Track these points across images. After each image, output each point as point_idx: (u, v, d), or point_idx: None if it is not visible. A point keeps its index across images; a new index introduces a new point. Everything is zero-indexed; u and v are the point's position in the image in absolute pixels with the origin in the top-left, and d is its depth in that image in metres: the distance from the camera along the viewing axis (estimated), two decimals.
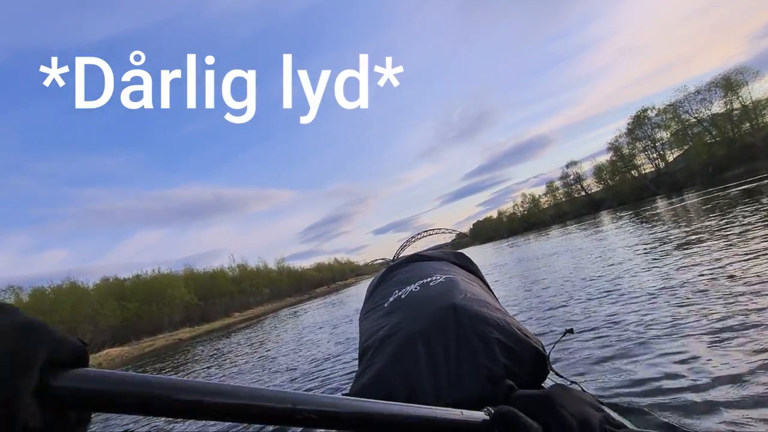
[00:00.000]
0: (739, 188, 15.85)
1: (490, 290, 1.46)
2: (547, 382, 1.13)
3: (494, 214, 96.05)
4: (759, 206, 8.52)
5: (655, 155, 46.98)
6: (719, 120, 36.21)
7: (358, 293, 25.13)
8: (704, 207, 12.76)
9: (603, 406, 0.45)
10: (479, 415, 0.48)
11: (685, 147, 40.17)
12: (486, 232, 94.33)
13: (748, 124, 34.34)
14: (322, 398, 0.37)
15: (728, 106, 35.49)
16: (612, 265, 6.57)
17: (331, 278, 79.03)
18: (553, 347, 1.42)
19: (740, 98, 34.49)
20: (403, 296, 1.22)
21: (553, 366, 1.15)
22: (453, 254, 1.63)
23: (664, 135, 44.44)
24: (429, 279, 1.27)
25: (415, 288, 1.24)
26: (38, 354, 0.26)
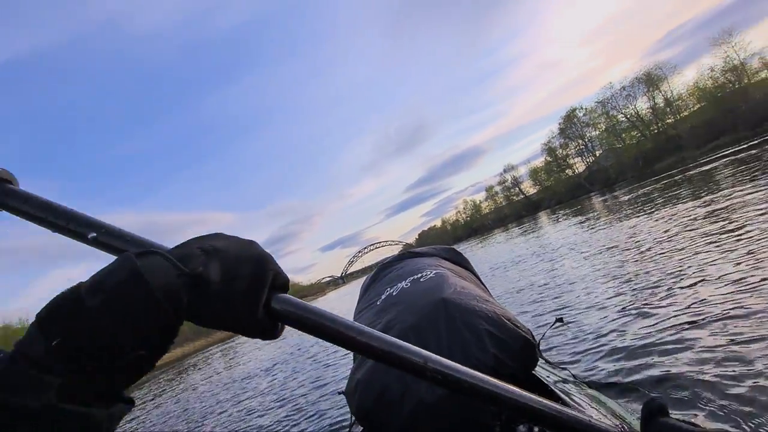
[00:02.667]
0: (669, 179, 16.67)
1: (482, 282, 1.49)
2: (538, 370, 1.18)
3: (438, 223, 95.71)
4: (685, 194, 9.17)
5: (587, 153, 47.84)
6: (645, 114, 37.09)
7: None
8: (633, 200, 13.35)
9: None
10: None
11: (615, 143, 40.76)
12: (431, 241, 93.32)
13: (671, 118, 35.26)
14: (451, 364, 0.40)
15: (651, 101, 36.43)
16: (555, 260, 7.28)
17: None
18: (543, 336, 1.60)
19: (662, 92, 35.47)
20: (395, 293, 1.23)
21: (545, 355, 1.24)
22: (443, 249, 1.67)
23: (594, 134, 45.29)
24: (420, 275, 1.27)
25: (407, 284, 1.25)
26: (269, 278, 0.37)
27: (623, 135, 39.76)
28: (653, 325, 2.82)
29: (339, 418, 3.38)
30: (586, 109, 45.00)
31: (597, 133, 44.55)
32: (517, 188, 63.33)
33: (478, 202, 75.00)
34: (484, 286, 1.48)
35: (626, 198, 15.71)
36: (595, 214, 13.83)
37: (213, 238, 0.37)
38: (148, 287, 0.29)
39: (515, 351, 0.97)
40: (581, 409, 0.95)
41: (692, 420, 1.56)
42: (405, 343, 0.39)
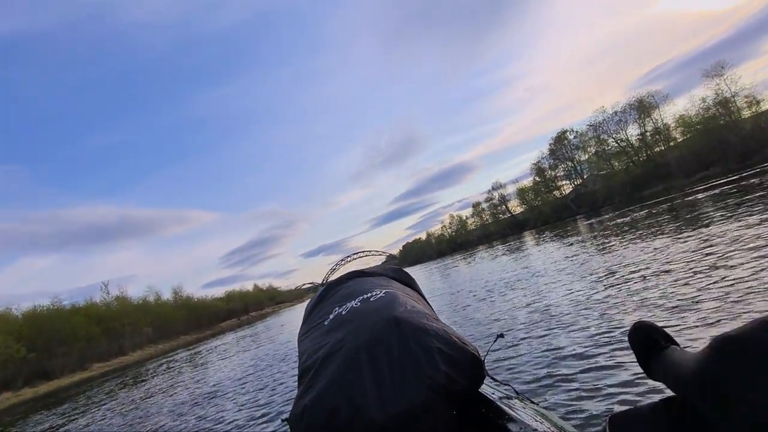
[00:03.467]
0: (656, 206, 16.73)
1: (427, 302, 1.50)
2: (485, 388, 1.22)
3: (423, 236, 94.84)
4: (670, 222, 9.23)
5: (575, 176, 47.91)
6: (635, 141, 37.26)
7: (275, 325, 21.76)
8: (618, 224, 13.55)
9: None
10: None
11: (604, 168, 40.79)
12: (415, 253, 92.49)
13: (662, 146, 35.41)
14: None
15: (642, 128, 36.62)
16: (533, 277, 7.40)
17: (242, 309, 66.44)
18: (487, 353, 1.48)
19: (653, 120, 35.68)
20: (344, 312, 1.21)
21: (489, 371, 1.20)
22: (391, 269, 1.65)
23: (583, 157, 45.41)
24: (369, 294, 1.26)
25: (356, 303, 1.23)
26: None
27: (612, 160, 39.83)
28: (595, 343, 2.94)
29: None
30: (576, 132, 45.25)
31: (586, 156, 44.68)
32: (504, 206, 63.19)
33: (464, 217, 74.70)
34: (430, 305, 1.47)
35: (611, 222, 15.92)
36: (578, 237, 14.10)
37: None
38: None
39: (465, 368, 0.97)
40: (526, 424, 0.94)
41: None
42: None
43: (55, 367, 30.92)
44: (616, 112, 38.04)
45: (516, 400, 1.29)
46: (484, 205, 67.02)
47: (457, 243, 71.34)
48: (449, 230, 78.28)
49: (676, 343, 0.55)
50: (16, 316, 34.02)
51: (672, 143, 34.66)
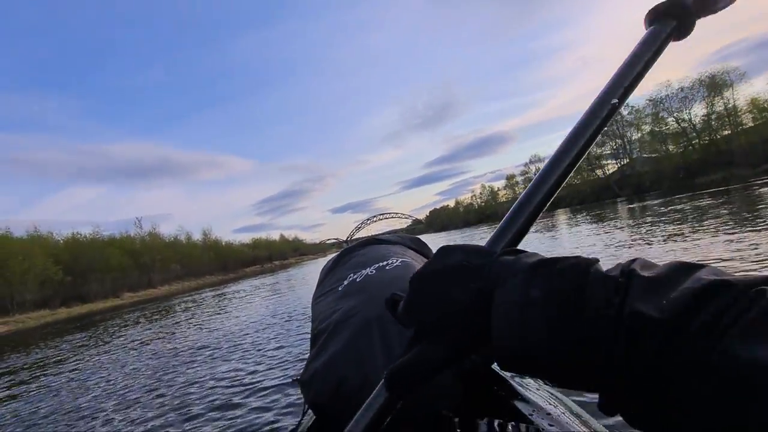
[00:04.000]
0: (711, 196, 15.01)
1: None
2: (496, 366, 1.11)
3: (452, 204, 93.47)
4: (724, 216, 8.34)
5: (622, 156, 44.55)
6: (699, 122, 33.60)
7: (297, 277, 20.90)
8: (664, 212, 12.37)
9: None
10: None
11: (657, 149, 37.47)
12: (441, 220, 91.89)
13: (728, 130, 31.77)
14: None
15: (709, 108, 32.81)
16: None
17: (267, 257, 69.16)
18: None
19: (724, 100, 31.80)
20: (358, 279, 1.20)
21: None
22: (409, 238, 1.60)
23: (636, 135, 41.86)
24: (385, 263, 1.24)
25: (371, 271, 1.21)
26: None
27: (668, 141, 36.37)
28: None
29: (292, 406, 3.20)
30: (632, 107, 41.35)
31: (639, 135, 41.11)
32: None
33: (496, 189, 72.51)
34: None
35: (656, 209, 14.56)
36: (616, 221, 13.04)
37: None
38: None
39: None
40: (538, 404, 0.93)
41: None
42: None
43: (90, 292, 34.15)
44: (682, 88, 34.13)
45: (530, 380, 1.28)
46: (519, 178, 64.63)
47: (485, 214, 70.07)
48: (479, 200, 76.69)
49: None
50: (58, 241, 37.13)
51: (740, 128, 30.92)
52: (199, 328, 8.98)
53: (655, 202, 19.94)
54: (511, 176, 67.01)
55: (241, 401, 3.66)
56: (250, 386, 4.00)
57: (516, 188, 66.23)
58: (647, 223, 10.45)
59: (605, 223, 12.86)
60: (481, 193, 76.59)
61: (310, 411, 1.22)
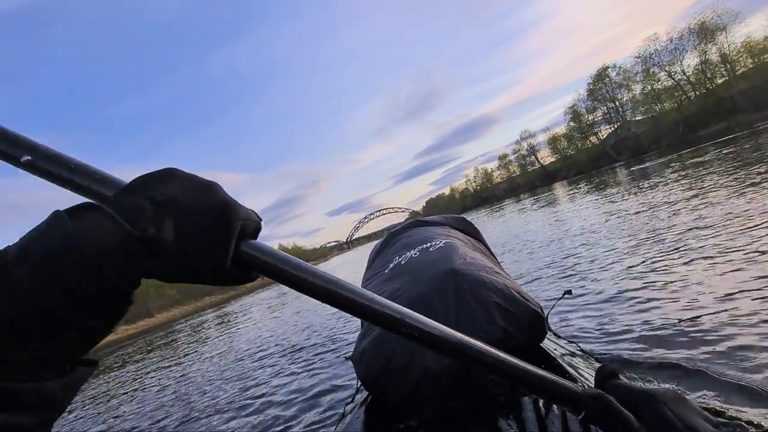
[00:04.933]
0: (716, 148, 14.27)
1: (492, 253, 1.48)
2: (546, 342, 1.18)
3: (447, 192, 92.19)
4: (732, 166, 7.86)
5: (616, 119, 43.16)
6: (693, 73, 32.13)
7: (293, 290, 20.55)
8: (665, 172, 11.66)
9: (720, 422, 0.41)
10: (574, 388, 0.48)
11: (652, 108, 36.06)
12: (438, 209, 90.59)
13: (727, 76, 30.32)
14: (428, 321, 0.40)
15: (702, 56, 31.36)
16: (564, 232, 6.82)
17: None
18: (552, 308, 1.54)
19: (717, 45, 30.31)
20: (403, 262, 1.22)
21: (553, 327, 1.16)
22: (454, 218, 1.63)
23: (627, 96, 40.45)
24: (429, 244, 1.25)
25: (415, 253, 1.23)
26: (235, 230, 0.33)
27: (663, 97, 34.93)
28: (667, 305, 2.60)
29: (346, 383, 3.24)
30: (620, 68, 39.92)
31: (631, 95, 39.71)
32: (533, 156, 59.18)
33: (489, 170, 71.11)
34: (494, 257, 1.46)
35: (657, 169, 13.66)
36: (617, 186, 12.44)
37: (165, 181, 0.31)
38: (83, 255, 0.25)
39: (524, 324, 0.96)
40: (588, 381, 0.92)
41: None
42: (382, 298, 0.39)
43: None
44: (671, 39, 32.61)
45: (579, 358, 1.26)
46: (511, 157, 63.24)
47: (482, 197, 68.84)
48: (474, 184, 75.34)
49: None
50: None
51: (740, 71, 29.47)
52: (229, 341, 8.46)
53: (657, 162, 18.43)
54: (503, 156, 65.61)
55: (297, 381, 3.80)
56: (304, 368, 4.14)
57: (510, 167, 64.86)
58: (650, 186, 9.64)
59: (606, 192, 11.73)
60: (475, 177, 75.27)
61: (362, 387, 1.21)
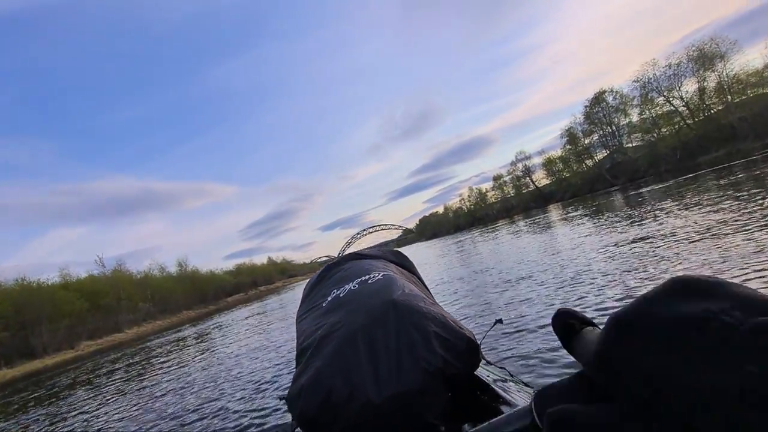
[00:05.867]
0: (714, 175, 14.17)
1: (425, 286, 1.49)
2: (480, 371, 1.22)
3: (441, 210, 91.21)
4: (727, 196, 7.81)
5: (612, 143, 42.77)
6: (691, 99, 31.81)
7: (280, 302, 20.15)
8: (661, 198, 11.60)
9: None
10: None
11: (650, 132, 35.63)
12: (432, 227, 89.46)
13: (728, 101, 29.92)
14: None
15: (701, 83, 31.11)
16: (549, 256, 6.86)
17: (251, 283, 64.23)
18: (484, 337, 1.48)
19: (716, 72, 30.09)
20: (341, 294, 1.21)
21: (484, 355, 1.19)
22: (390, 252, 1.63)
23: (624, 121, 40.18)
24: (367, 277, 1.25)
25: (354, 286, 1.22)
26: None
27: (660, 122, 34.54)
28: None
29: (279, 423, 3.15)
30: (617, 92, 39.82)
31: (627, 120, 39.43)
32: (528, 178, 58.60)
33: (484, 190, 70.40)
34: (427, 289, 1.48)
35: (653, 196, 13.46)
36: (610, 212, 12.32)
37: None
38: None
39: (461, 352, 0.97)
40: (518, 405, 0.94)
41: None
42: None
43: (38, 346, 28.67)
44: (669, 65, 32.45)
45: (511, 383, 1.28)
46: (506, 178, 62.65)
47: (475, 217, 67.85)
48: (468, 203, 74.43)
49: (593, 325, 0.61)
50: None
51: (738, 99, 29.12)
52: (161, 372, 8.01)
53: (654, 188, 17.88)
54: (498, 176, 65.02)
55: (227, 424, 3.53)
56: (237, 411, 3.81)
57: (504, 188, 64.23)
58: (646, 211, 9.26)
59: (601, 217, 11.23)
60: (469, 196, 74.38)
61: (298, 428, 1.21)
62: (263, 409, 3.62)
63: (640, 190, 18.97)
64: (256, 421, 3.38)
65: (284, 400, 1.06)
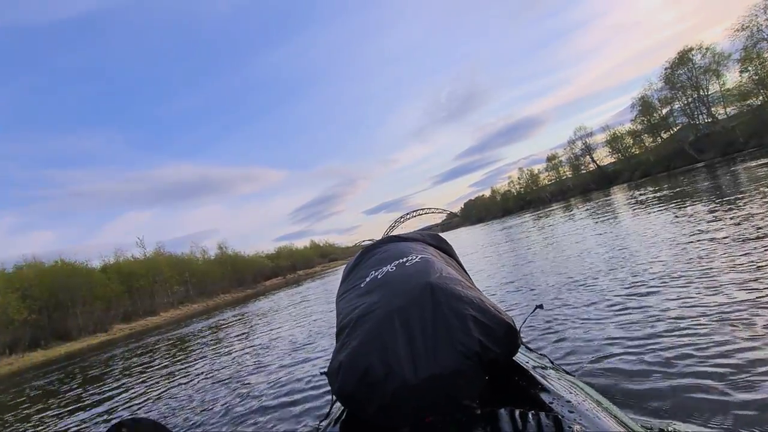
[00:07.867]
0: None
1: (464, 269, 1.48)
2: (518, 356, 1.21)
3: (487, 193, 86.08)
4: None
5: (698, 113, 36.05)
6: None
7: (316, 288, 18.48)
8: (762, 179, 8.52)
9: None
10: None
11: (751, 95, 29.01)
12: (477, 211, 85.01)
13: None
14: None
15: None
16: (603, 246, 5.99)
17: (290, 267, 63.07)
18: (524, 322, 1.45)
19: None
20: (379, 276, 1.22)
21: (523, 340, 1.16)
22: (428, 235, 1.63)
23: (714, 86, 33.42)
24: (405, 259, 1.26)
25: (392, 268, 1.23)
26: None
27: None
28: (642, 322, 2.52)
29: (320, 397, 3.13)
30: (707, 49, 33.02)
31: (721, 82, 32.68)
32: (588, 156, 52.37)
33: (536, 171, 64.61)
34: (466, 272, 1.46)
35: (752, 174, 10.23)
36: (691, 194, 9.67)
37: None
38: None
39: (499, 337, 0.97)
40: (559, 393, 0.97)
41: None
42: None
43: (71, 329, 29.18)
44: None
45: (551, 370, 1.25)
46: (562, 157, 56.62)
47: (525, 200, 62.77)
48: (517, 186, 69.03)
49: None
50: (27, 274, 30.82)
51: None
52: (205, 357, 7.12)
53: (755, 163, 13.46)
54: (552, 156, 59.06)
55: (270, 397, 3.52)
56: (278, 382, 3.85)
57: (560, 168, 58.28)
58: (748, 194, 6.85)
59: (680, 201, 8.61)
60: (519, 178, 68.79)
61: (337, 402, 1.21)
62: (306, 380, 3.62)
63: (736, 167, 14.78)
64: (296, 396, 3.32)
65: (325, 375, 1.07)
